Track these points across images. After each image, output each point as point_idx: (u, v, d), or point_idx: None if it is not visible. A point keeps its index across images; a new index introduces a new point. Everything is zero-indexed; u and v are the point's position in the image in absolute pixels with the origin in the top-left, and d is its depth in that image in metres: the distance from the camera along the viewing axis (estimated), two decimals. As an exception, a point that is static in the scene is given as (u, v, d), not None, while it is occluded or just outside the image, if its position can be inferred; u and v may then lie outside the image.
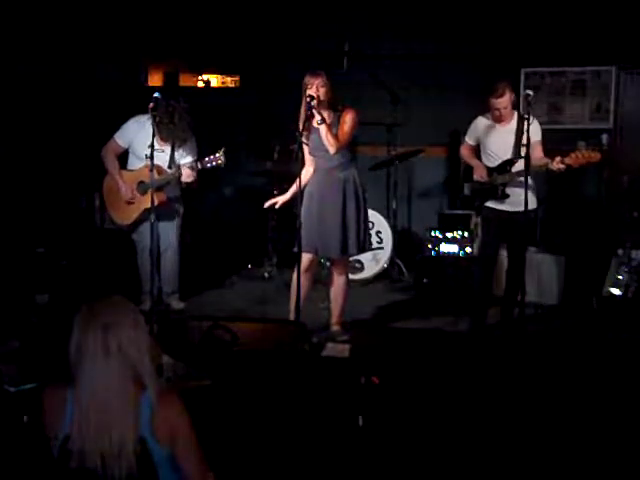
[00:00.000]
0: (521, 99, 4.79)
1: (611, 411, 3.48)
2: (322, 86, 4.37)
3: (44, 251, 5.75)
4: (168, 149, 4.93)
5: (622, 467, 3.07)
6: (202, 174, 5.27)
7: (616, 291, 5.20)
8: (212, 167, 4.73)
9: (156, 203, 4.56)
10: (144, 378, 2.04)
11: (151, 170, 4.64)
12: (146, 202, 4.70)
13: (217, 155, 4.68)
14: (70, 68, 6.63)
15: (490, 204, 4.74)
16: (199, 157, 4.95)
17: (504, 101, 4.53)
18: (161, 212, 5.01)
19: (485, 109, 4.74)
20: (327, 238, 4.52)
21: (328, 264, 4.88)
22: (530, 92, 4.38)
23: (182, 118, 4.93)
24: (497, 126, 4.66)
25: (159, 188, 4.76)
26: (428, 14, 6.82)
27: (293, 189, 4.57)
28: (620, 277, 5.23)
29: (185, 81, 7.54)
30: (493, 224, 4.78)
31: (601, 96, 6.71)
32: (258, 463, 2.99)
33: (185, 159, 4.96)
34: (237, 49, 7.18)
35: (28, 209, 6.10)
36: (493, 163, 4.69)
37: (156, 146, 4.54)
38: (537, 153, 4.55)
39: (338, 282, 4.73)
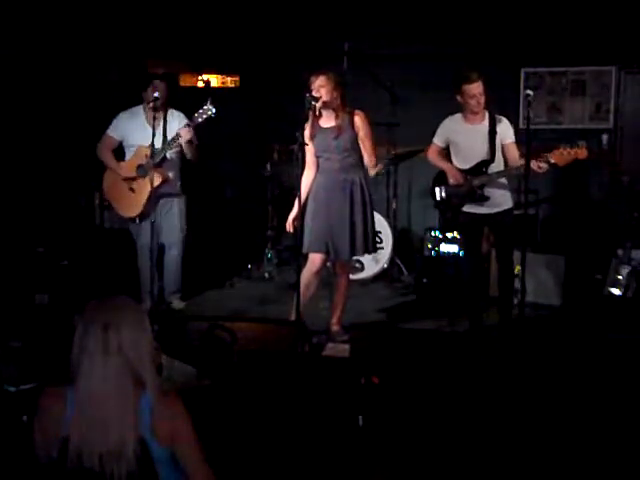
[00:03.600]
0: (521, 99, 4.75)
1: (611, 411, 3.48)
2: (322, 86, 4.34)
3: (44, 251, 5.75)
4: (159, 136, 4.91)
5: (622, 467, 3.07)
6: (202, 174, 5.28)
7: (616, 291, 5.20)
8: (205, 120, 4.65)
9: (159, 182, 4.61)
10: (144, 378, 2.04)
11: (152, 167, 4.66)
12: (144, 183, 4.72)
13: (205, 107, 4.62)
14: (70, 68, 6.63)
15: (466, 209, 4.60)
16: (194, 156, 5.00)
17: (478, 86, 4.36)
18: (165, 205, 5.03)
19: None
20: (337, 240, 4.49)
21: (328, 264, 4.88)
22: (530, 92, 4.23)
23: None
24: (468, 126, 4.54)
25: (158, 164, 4.75)
26: (428, 14, 6.82)
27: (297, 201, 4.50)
28: (620, 277, 5.23)
29: (185, 81, 7.54)
30: (473, 229, 4.68)
31: (601, 96, 6.72)
32: (258, 463, 2.99)
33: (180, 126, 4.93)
34: (237, 49, 7.19)
35: (28, 209, 6.10)
36: (466, 165, 4.55)
37: (149, 133, 4.61)
38: (513, 154, 4.43)
39: (340, 283, 4.72)
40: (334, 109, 4.42)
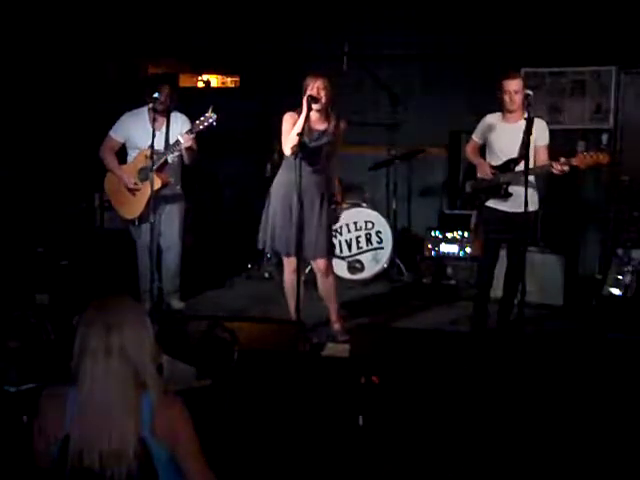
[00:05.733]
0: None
1: (611, 411, 3.48)
2: (323, 88, 4.36)
3: (44, 251, 5.75)
4: (161, 139, 4.92)
5: (622, 467, 3.07)
6: (202, 174, 5.28)
7: (616, 291, 5.20)
8: (206, 127, 4.67)
9: (160, 185, 4.67)
10: (145, 379, 2.04)
11: (153, 169, 4.67)
12: (145, 186, 4.75)
13: (207, 115, 4.65)
14: (70, 69, 6.63)
15: (490, 204, 4.67)
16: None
17: (515, 84, 4.46)
18: (165, 207, 5.03)
19: (490, 109, 4.70)
20: (312, 239, 4.53)
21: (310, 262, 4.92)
22: (530, 92, 4.32)
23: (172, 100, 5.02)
24: (505, 124, 4.59)
25: (159, 169, 4.78)
26: (428, 14, 6.82)
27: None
28: (620, 277, 5.23)
29: (185, 81, 7.54)
30: (493, 225, 4.71)
31: (601, 96, 6.71)
32: (258, 463, 2.99)
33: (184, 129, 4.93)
34: (237, 49, 7.18)
35: (28, 209, 6.10)
36: (497, 162, 4.61)
37: (151, 139, 4.61)
38: (542, 157, 4.49)
39: (327, 284, 4.72)
40: (326, 112, 4.43)
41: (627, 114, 6.71)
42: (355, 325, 4.94)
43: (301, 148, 4.29)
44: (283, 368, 3.73)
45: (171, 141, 4.86)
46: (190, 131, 4.76)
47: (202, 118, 4.67)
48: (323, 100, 4.36)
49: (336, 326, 4.73)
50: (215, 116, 4.62)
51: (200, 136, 4.99)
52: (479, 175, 4.71)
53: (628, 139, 6.70)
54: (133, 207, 5.07)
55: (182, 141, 4.75)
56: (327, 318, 4.82)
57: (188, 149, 4.85)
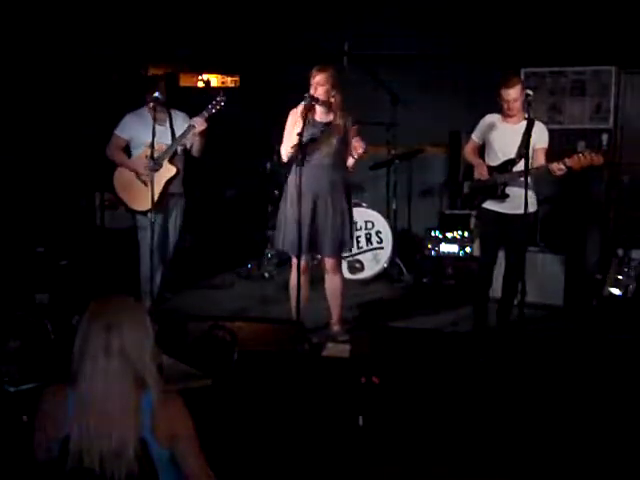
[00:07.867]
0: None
1: (611, 411, 3.48)
2: (321, 85, 4.32)
3: (44, 251, 5.75)
4: (167, 133, 4.95)
5: (622, 467, 3.07)
6: (202, 173, 5.27)
7: (616, 291, 5.20)
8: (217, 110, 4.78)
9: (174, 173, 4.83)
10: (145, 379, 2.04)
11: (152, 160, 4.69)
12: (160, 175, 4.82)
13: (219, 99, 4.77)
14: (71, 68, 6.64)
15: (488, 205, 4.65)
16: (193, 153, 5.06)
17: (514, 92, 4.43)
18: (170, 205, 5.06)
19: (490, 109, 4.70)
20: (322, 237, 4.50)
21: (315, 262, 4.89)
22: (530, 92, 4.31)
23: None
24: (505, 125, 4.58)
25: (170, 159, 4.86)
26: (428, 14, 6.82)
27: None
28: (620, 277, 5.23)
29: (185, 81, 7.55)
30: (491, 226, 4.70)
31: (601, 96, 6.72)
32: (258, 463, 2.99)
33: (185, 126, 4.97)
34: (237, 49, 7.19)
35: (28, 209, 6.10)
36: (496, 162, 4.60)
37: (158, 132, 4.66)
38: (539, 159, 4.48)
39: (334, 282, 4.70)
40: (330, 106, 4.42)
41: (627, 114, 6.72)
42: (355, 325, 4.95)
43: (300, 147, 4.27)
44: (283, 368, 3.73)
45: (177, 133, 4.89)
46: (202, 114, 4.82)
47: (214, 102, 4.78)
48: (321, 97, 4.33)
49: (335, 327, 4.73)
50: (225, 98, 4.76)
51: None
52: (475, 176, 4.71)
53: (628, 139, 6.70)
54: (147, 198, 5.04)
55: (196, 125, 4.81)
56: (327, 318, 4.81)
57: (202, 134, 4.89)
